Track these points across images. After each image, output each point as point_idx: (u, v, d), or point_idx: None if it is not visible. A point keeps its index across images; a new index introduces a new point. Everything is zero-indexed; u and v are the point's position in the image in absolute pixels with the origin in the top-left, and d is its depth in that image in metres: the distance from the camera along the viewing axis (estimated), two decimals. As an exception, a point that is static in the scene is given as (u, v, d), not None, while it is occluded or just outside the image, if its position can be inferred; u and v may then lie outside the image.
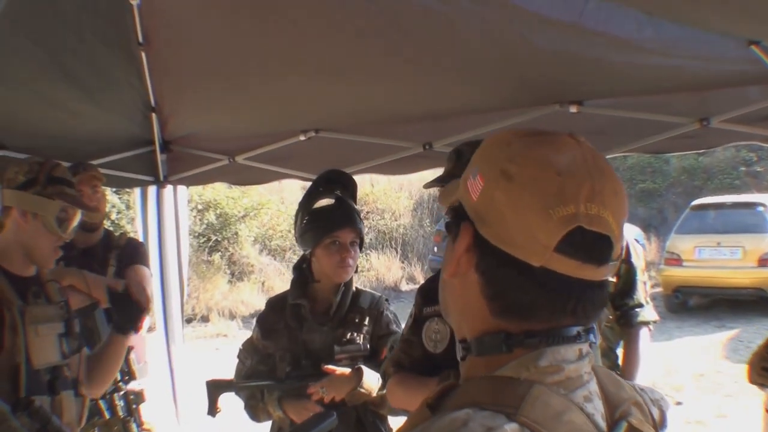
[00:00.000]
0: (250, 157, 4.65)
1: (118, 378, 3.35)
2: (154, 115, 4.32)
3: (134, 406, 3.46)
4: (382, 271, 16.69)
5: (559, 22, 2.67)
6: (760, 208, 12.40)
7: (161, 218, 4.90)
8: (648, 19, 2.62)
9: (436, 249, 15.55)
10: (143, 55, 3.59)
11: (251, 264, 15.29)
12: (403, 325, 2.78)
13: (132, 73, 3.71)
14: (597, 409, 0.99)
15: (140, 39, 3.45)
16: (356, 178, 3.20)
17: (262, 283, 14.84)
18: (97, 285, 3.35)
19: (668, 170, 21.10)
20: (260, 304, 14.40)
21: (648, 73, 3.12)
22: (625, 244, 3.10)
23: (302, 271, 2.98)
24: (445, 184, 2.37)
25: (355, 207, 2.99)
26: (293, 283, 3.00)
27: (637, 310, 3.32)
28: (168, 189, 4.92)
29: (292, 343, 2.92)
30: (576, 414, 0.96)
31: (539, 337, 1.00)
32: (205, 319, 13.59)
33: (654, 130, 3.57)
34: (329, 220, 2.88)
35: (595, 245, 0.98)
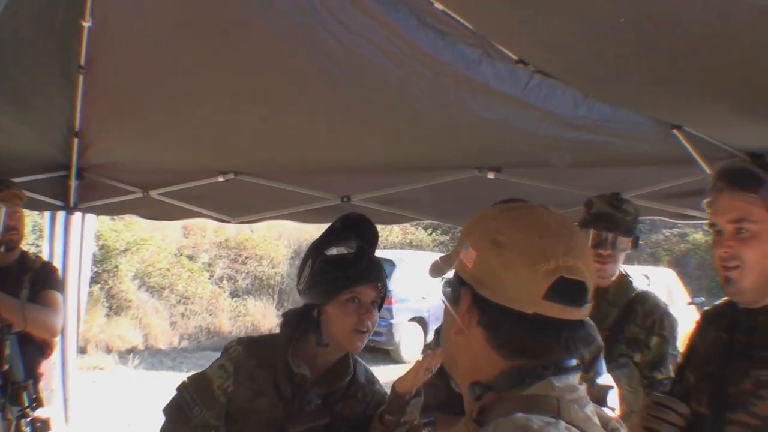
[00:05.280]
0: (164, 192, 4.61)
1: (26, 404, 3.24)
2: (76, 140, 4.29)
3: (40, 434, 3.33)
4: (258, 317, 16.44)
5: (502, 94, 2.87)
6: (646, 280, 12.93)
7: (67, 245, 4.80)
8: (583, 98, 2.86)
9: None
10: (81, 78, 3.59)
11: (129, 299, 14.77)
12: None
13: (66, 96, 3.69)
14: (598, 422, 1.23)
15: (83, 62, 3.46)
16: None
17: (140, 320, 14.39)
18: (10, 307, 3.25)
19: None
20: (137, 340, 14.08)
21: (572, 147, 3.34)
22: (659, 316, 3.20)
23: (305, 330, 2.33)
24: None
25: (380, 260, 2.39)
26: (291, 341, 2.34)
27: (665, 383, 3.20)
28: (77, 216, 4.83)
29: (279, 415, 2.28)
30: (594, 424, 1.19)
31: (550, 368, 1.20)
32: (82, 350, 12.98)
33: (568, 200, 3.70)
34: (351, 271, 2.26)
35: (575, 290, 1.20)
